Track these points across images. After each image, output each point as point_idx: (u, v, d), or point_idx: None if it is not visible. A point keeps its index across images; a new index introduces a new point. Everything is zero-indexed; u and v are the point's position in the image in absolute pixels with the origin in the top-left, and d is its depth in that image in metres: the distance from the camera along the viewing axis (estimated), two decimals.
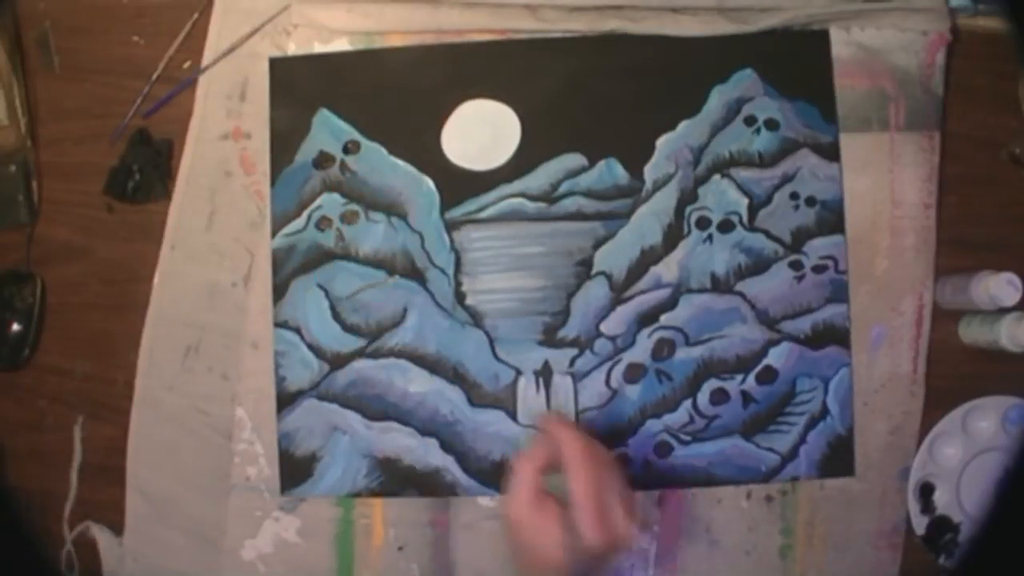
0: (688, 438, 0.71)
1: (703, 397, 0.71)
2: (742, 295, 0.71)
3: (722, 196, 0.72)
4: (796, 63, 0.72)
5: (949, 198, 0.73)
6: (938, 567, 0.71)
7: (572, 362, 0.71)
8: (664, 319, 0.71)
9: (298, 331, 0.71)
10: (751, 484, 0.71)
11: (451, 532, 0.71)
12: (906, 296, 0.72)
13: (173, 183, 0.73)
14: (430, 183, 0.72)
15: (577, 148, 0.72)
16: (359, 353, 0.71)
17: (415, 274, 0.72)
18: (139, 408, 0.72)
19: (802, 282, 0.72)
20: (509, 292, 0.71)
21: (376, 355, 0.71)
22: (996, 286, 0.67)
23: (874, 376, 0.72)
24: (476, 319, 0.71)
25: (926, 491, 0.72)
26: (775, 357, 0.71)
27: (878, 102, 0.72)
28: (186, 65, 0.74)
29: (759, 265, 0.72)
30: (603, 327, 0.71)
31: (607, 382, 0.71)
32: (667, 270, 0.72)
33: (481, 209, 0.72)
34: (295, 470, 0.71)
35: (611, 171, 0.72)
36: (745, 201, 0.72)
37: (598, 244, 0.72)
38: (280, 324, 0.71)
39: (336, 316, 0.71)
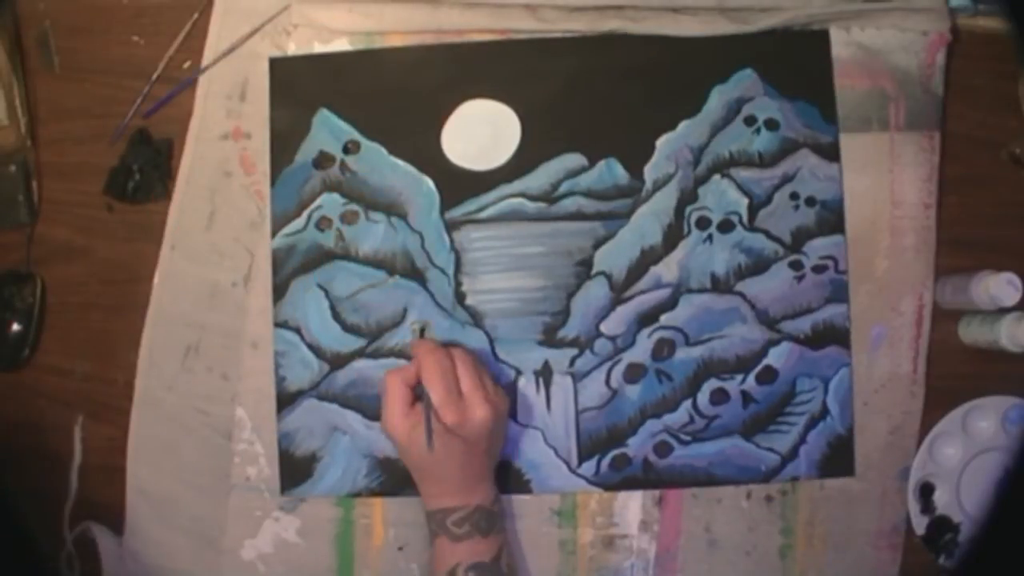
0: (688, 438, 0.71)
1: (703, 397, 0.71)
2: (742, 295, 0.71)
3: (722, 196, 0.72)
4: (796, 63, 0.72)
5: (949, 198, 0.73)
6: (938, 567, 0.71)
7: (572, 362, 0.71)
8: (664, 319, 0.71)
9: (298, 331, 0.71)
10: (751, 484, 0.71)
11: None
12: (906, 296, 0.72)
13: (173, 183, 0.73)
14: (430, 183, 0.72)
15: (577, 148, 0.72)
16: (359, 353, 0.71)
17: (415, 274, 0.72)
18: (139, 408, 0.72)
19: (802, 282, 0.72)
20: (509, 292, 0.71)
21: (376, 355, 0.71)
22: (996, 286, 0.67)
23: (874, 376, 0.72)
24: (476, 319, 0.71)
25: (926, 491, 0.72)
26: (775, 357, 0.71)
27: (878, 102, 0.72)
28: (186, 65, 0.74)
29: (759, 265, 0.72)
30: (603, 327, 0.71)
31: (607, 382, 0.71)
32: (667, 270, 0.71)
33: (481, 209, 0.72)
34: (295, 470, 0.71)
35: (611, 171, 0.72)
36: (745, 201, 0.72)
37: (598, 244, 0.72)
38: (280, 324, 0.71)
39: (336, 316, 0.71)
